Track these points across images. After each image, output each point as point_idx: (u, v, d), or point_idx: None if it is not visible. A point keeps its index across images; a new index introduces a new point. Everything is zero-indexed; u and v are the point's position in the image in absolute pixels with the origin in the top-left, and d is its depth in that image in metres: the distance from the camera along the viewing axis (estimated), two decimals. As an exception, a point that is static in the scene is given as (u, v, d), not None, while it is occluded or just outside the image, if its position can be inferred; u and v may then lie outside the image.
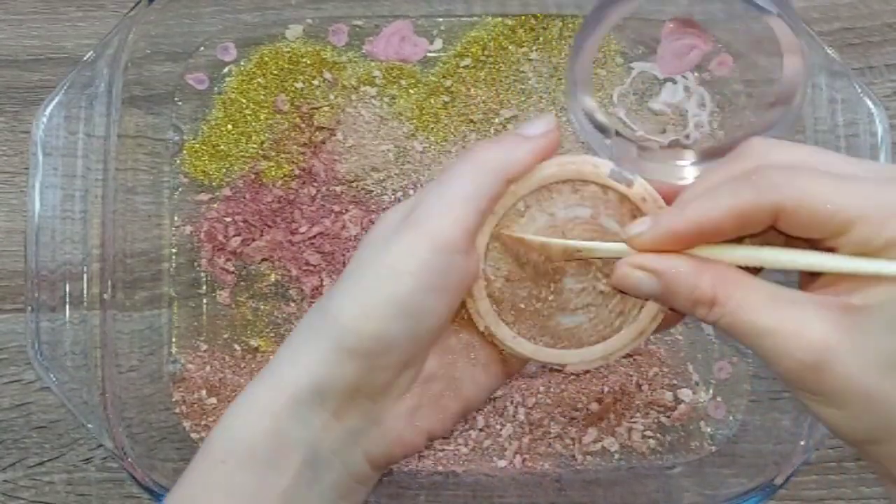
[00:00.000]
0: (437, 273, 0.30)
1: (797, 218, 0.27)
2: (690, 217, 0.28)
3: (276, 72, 0.53)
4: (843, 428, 0.28)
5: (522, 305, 0.34)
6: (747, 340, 0.28)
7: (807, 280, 0.30)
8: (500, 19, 0.53)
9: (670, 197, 0.33)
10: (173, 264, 0.52)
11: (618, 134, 0.34)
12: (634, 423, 0.51)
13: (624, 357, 0.51)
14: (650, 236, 0.29)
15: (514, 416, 0.51)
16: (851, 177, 0.27)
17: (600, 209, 0.33)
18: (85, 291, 0.46)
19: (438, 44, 0.53)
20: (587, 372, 0.51)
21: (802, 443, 0.44)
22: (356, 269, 0.31)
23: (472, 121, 0.52)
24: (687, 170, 0.34)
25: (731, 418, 0.51)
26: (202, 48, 0.53)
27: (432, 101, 0.53)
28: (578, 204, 0.33)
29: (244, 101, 0.53)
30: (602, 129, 0.34)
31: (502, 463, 0.51)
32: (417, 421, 0.34)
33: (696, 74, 0.52)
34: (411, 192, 0.52)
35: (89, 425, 0.44)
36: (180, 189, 0.53)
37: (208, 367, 0.51)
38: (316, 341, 0.31)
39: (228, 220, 0.52)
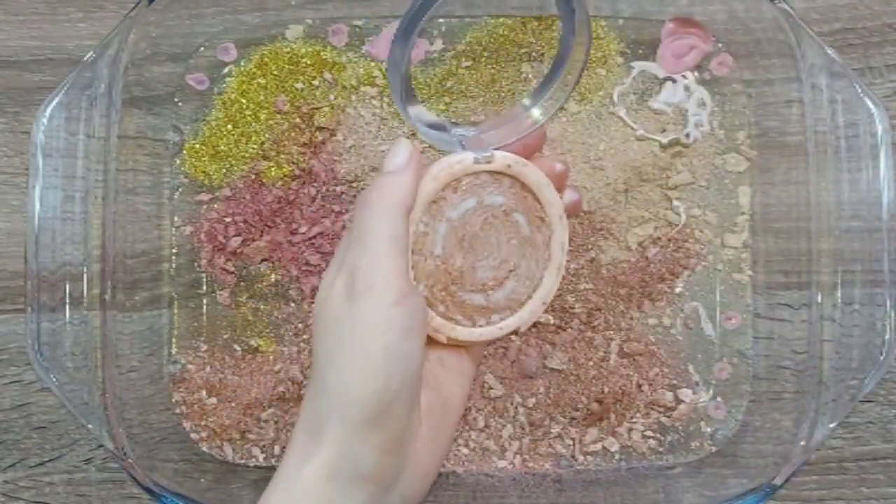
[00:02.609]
0: (403, 321, 0.33)
1: None
2: None
3: (276, 72, 0.53)
4: None
5: (462, 303, 0.37)
6: None
7: None
8: (500, 19, 0.53)
9: (524, 150, 0.38)
10: (173, 265, 0.52)
11: (454, 123, 0.38)
12: (635, 423, 0.51)
13: (622, 357, 0.51)
14: None
15: (514, 417, 0.51)
16: None
17: (481, 192, 0.37)
18: (85, 292, 0.46)
19: (438, 44, 0.53)
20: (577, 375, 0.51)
21: (802, 443, 0.44)
22: (334, 348, 0.34)
23: (472, 121, 0.52)
24: (522, 122, 0.39)
25: (731, 419, 0.51)
26: (202, 49, 0.53)
27: (433, 101, 0.53)
28: (462, 199, 0.37)
29: (244, 101, 0.53)
30: (439, 128, 0.38)
31: (502, 463, 0.51)
32: (434, 449, 0.36)
33: (695, 74, 0.52)
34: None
35: (89, 426, 0.44)
36: (180, 189, 0.53)
37: (208, 368, 0.51)
38: (331, 423, 0.33)
39: (228, 220, 0.52)
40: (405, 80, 0.36)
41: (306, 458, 0.33)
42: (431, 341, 0.37)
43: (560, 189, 0.39)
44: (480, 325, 0.38)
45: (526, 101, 0.39)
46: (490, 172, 0.37)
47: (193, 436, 0.51)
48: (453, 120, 0.37)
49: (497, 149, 0.37)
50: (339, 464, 0.33)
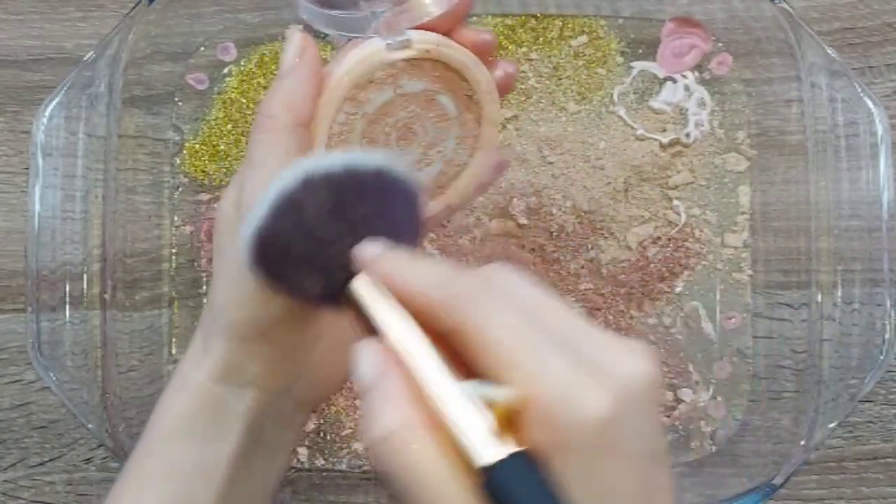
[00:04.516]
0: None
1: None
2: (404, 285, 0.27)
3: (276, 72, 0.53)
4: None
5: None
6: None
7: None
8: (500, 19, 0.53)
9: (447, 23, 0.33)
10: (173, 264, 0.52)
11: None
12: (634, 422, 0.51)
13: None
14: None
15: (514, 416, 0.51)
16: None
17: (398, 81, 0.34)
18: (85, 291, 0.46)
19: (438, 44, 0.53)
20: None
21: (802, 442, 0.44)
22: (219, 265, 0.33)
23: None
24: None
25: (731, 418, 0.51)
26: (202, 48, 0.53)
27: (432, 100, 0.53)
28: (379, 91, 0.34)
29: (244, 101, 0.53)
30: (344, 5, 0.32)
31: (502, 463, 0.51)
32: (340, 355, 0.34)
33: (696, 74, 0.52)
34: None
35: (90, 425, 0.44)
36: (180, 189, 0.53)
37: (208, 367, 0.51)
38: (217, 334, 0.33)
39: (228, 219, 0.52)
40: None
41: (199, 361, 0.33)
42: None
43: (490, 62, 0.35)
44: None
45: None
46: (406, 61, 0.33)
47: (193, 435, 0.51)
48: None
49: (415, 27, 0.32)
50: (227, 370, 0.33)
